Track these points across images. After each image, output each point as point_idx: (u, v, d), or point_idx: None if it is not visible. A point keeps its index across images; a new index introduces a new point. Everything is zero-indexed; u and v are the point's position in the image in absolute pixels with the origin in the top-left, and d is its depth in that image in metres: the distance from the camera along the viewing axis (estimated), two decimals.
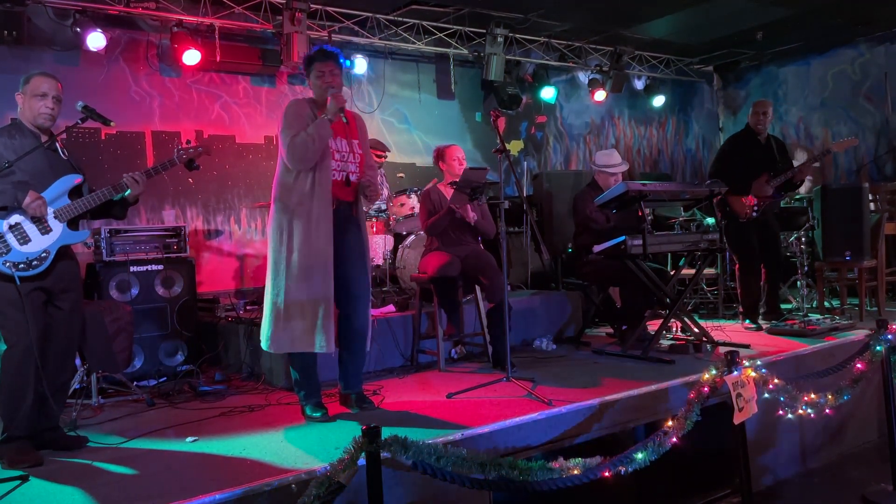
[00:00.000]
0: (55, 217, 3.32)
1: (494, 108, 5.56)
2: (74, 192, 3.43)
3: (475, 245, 5.09)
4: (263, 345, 3.72)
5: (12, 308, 3.19)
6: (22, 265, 3.20)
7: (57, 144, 3.48)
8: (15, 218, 3.23)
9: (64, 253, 3.38)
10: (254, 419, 3.85)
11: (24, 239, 3.23)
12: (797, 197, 7.90)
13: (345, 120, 3.79)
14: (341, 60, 3.84)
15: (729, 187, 5.64)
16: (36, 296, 3.29)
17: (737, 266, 5.88)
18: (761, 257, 5.79)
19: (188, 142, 3.75)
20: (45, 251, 3.27)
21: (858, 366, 3.78)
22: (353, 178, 3.79)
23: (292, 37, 6.37)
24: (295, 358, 3.73)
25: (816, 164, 5.83)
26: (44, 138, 3.43)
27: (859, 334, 5.11)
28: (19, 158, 3.22)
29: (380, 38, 7.34)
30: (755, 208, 5.62)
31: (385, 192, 6.11)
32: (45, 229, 3.29)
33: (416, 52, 7.80)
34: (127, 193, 3.48)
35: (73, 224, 3.41)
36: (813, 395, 3.56)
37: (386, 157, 6.49)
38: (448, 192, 5.00)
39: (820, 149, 5.97)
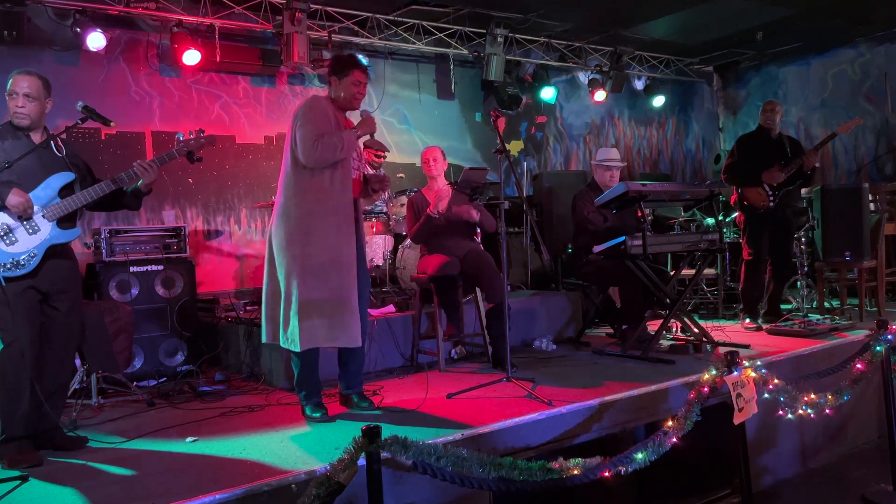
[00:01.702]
0: (43, 216, 3.26)
1: (494, 108, 5.57)
2: (66, 191, 3.36)
3: (472, 245, 5.09)
4: (291, 346, 3.64)
5: (5, 308, 3.15)
6: (8, 265, 3.16)
7: (52, 142, 3.42)
8: (1, 218, 3.19)
9: (57, 252, 3.32)
10: (254, 419, 3.85)
11: (11, 240, 3.19)
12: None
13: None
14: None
15: (743, 181, 5.67)
16: (29, 295, 3.25)
17: (745, 259, 5.87)
18: (769, 256, 5.80)
19: (191, 132, 3.66)
20: (32, 252, 3.22)
21: (858, 366, 3.79)
22: (355, 173, 3.83)
23: (292, 37, 6.37)
24: (299, 357, 3.69)
25: (817, 164, 5.82)
26: (37, 138, 3.37)
27: (859, 334, 5.11)
28: (17, 160, 3.18)
29: (380, 38, 7.34)
30: (771, 196, 5.63)
31: (385, 192, 6.12)
32: (32, 229, 3.24)
33: (416, 52, 7.80)
34: (139, 184, 3.47)
35: (65, 222, 3.35)
36: (813, 395, 3.56)
37: (385, 157, 6.49)
38: (430, 197, 5.00)
39: (826, 135, 5.97)
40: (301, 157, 3.59)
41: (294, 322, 3.61)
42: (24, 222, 3.23)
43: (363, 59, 3.84)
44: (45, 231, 3.28)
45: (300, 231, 3.61)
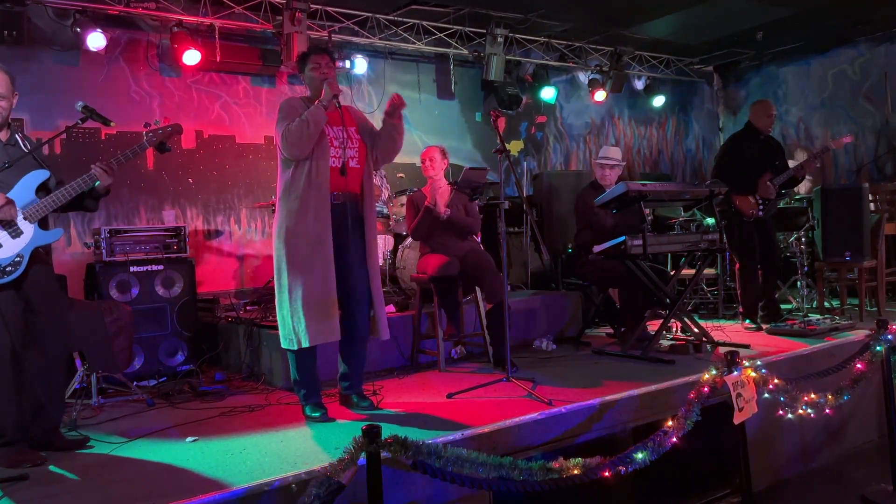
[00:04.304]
0: (25, 218, 3.16)
1: (494, 108, 5.58)
2: (42, 190, 3.25)
3: (472, 245, 5.09)
4: (286, 344, 3.67)
5: None
6: None
7: (17, 138, 3.31)
8: None
9: (36, 256, 3.23)
10: (254, 419, 3.85)
11: None
12: (797, 197, 7.91)
13: (338, 106, 3.72)
14: (334, 58, 3.87)
15: (733, 186, 5.64)
16: (15, 303, 3.16)
17: (737, 266, 5.88)
18: (761, 258, 5.79)
19: (157, 122, 3.53)
20: (18, 255, 3.13)
21: (858, 366, 3.79)
22: (352, 163, 3.76)
23: (292, 37, 6.37)
24: (297, 357, 3.70)
25: (818, 165, 5.83)
26: (3, 134, 3.27)
27: (859, 334, 5.11)
28: (14, 163, 3.10)
29: (380, 38, 7.34)
30: (760, 207, 5.62)
31: (385, 192, 6.11)
32: (15, 232, 3.14)
33: (416, 52, 7.80)
34: (97, 185, 3.31)
35: (43, 223, 3.25)
36: (813, 395, 3.56)
37: None
38: (428, 193, 5.01)
39: (819, 147, 5.98)
40: (284, 153, 3.65)
41: (288, 321, 3.63)
42: (7, 226, 3.12)
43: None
44: (29, 233, 3.17)
45: (283, 229, 3.65)
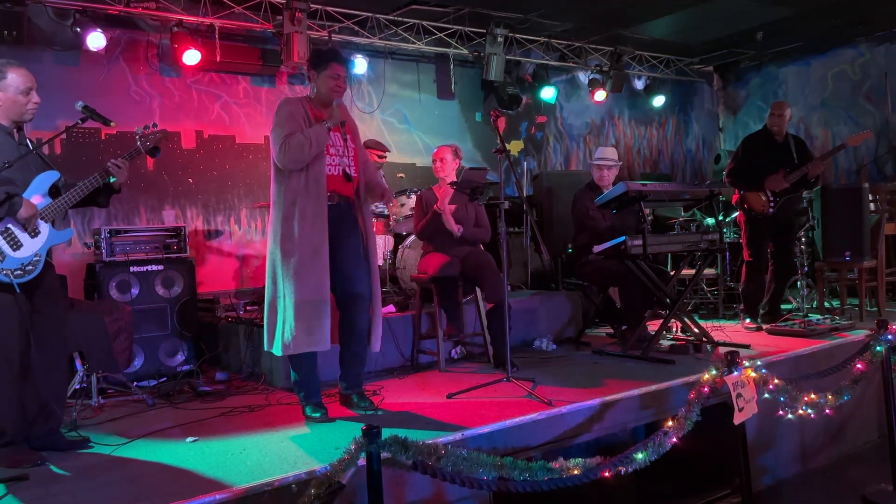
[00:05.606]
0: (41, 218, 3.21)
1: (494, 108, 5.57)
2: (53, 190, 3.30)
3: (473, 246, 5.09)
4: (274, 349, 3.66)
5: (4, 316, 3.10)
6: (18, 272, 3.11)
7: (24, 138, 3.35)
8: (4, 223, 3.11)
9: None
10: (254, 419, 3.85)
11: (17, 244, 3.13)
12: None
13: (344, 138, 3.78)
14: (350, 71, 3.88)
15: (746, 184, 5.69)
16: (25, 303, 3.19)
17: (745, 261, 5.88)
18: (771, 257, 5.79)
19: (146, 127, 3.54)
20: (36, 255, 3.18)
21: (858, 366, 3.79)
22: (350, 171, 3.77)
23: (292, 37, 6.37)
24: (296, 359, 3.69)
25: (822, 164, 5.81)
26: (15, 133, 3.30)
27: (859, 334, 5.11)
28: (15, 161, 3.11)
29: (380, 38, 7.34)
30: (771, 203, 5.63)
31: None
32: (34, 232, 3.19)
33: (416, 52, 7.80)
34: (112, 181, 3.37)
35: (56, 223, 3.30)
36: (813, 395, 3.56)
37: (386, 157, 6.49)
38: (440, 194, 5.01)
39: (837, 146, 5.96)
40: (278, 163, 3.61)
41: (278, 327, 3.62)
42: (27, 226, 3.18)
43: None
44: (45, 233, 3.24)
45: (279, 234, 3.62)
